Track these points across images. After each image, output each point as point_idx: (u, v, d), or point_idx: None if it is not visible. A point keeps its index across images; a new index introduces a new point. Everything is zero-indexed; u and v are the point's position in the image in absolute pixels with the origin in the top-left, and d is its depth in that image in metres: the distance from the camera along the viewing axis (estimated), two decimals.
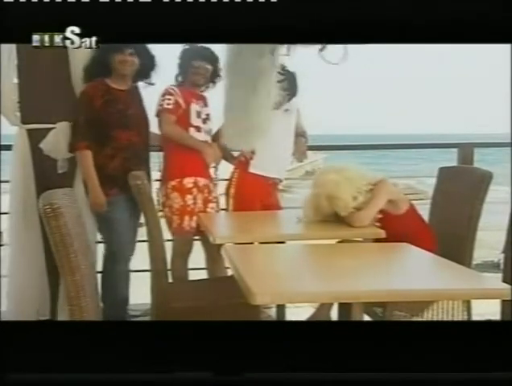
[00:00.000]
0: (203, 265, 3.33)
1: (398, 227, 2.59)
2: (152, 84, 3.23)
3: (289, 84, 3.30)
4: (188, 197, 3.17)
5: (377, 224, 2.64)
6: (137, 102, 3.18)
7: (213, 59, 3.25)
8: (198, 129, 3.23)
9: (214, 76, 3.30)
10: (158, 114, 3.20)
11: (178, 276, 3.18)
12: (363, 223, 2.62)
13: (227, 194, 3.31)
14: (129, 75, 3.12)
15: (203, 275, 3.30)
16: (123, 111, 3.08)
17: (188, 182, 3.18)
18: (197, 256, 3.35)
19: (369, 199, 2.68)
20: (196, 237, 3.27)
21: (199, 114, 3.23)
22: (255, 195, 3.26)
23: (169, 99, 3.16)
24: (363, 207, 2.66)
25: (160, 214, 3.08)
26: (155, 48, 3.18)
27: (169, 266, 2.97)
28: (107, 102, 3.06)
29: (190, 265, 3.30)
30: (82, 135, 3.06)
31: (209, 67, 3.24)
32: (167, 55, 3.34)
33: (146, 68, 3.17)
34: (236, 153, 3.37)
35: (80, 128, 3.07)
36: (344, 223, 2.66)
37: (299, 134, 3.43)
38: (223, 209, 3.38)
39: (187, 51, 3.23)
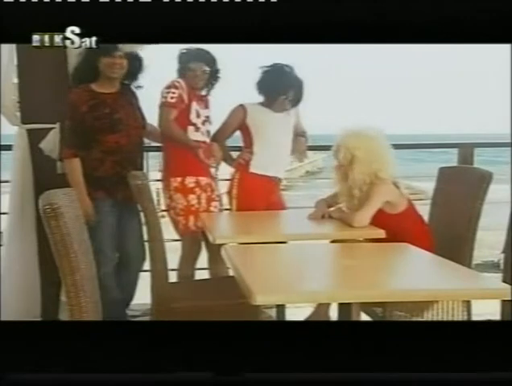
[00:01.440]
0: (204, 265, 3.33)
1: (394, 226, 2.59)
2: (141, 87, 3.19)
3: (295, 93, 3.28)
4: (191, 197, 3.16)
5: (374, 223, 2.64)
6: (127, 104, 3.12)
7: (210, 60, 3.24)
8: (196, 128, 3.22)
9: (213, 78, 3.29)
10: (161, 106, 3.19)
11: (184, 276, 3.17)
12: (361, 223, 2.63)
13: (229, 194, 3.30)
14: (117, 78, 3.07)
15: (204, 275, 3.30)
16: (110, 114, 3.03)
17: (190, 181, 3.17)
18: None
19: (366, 200, 2.68)
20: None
21: (198, 114, 3.22)
22: (259, 194, 3.25)
23: (173, 92, 3.14)
24: (360, 207, 2.67)
25: (161, 214, 3.07)
26: (147, 50, 3.15)
27: (170, 266, 2.96)
28: (92, 107, 3.01)
29: None
30: (69, 143, 3.03)
31: (207, 68, 3.22)
32: (161, 58, 3.31)
33: (135, 71, 3.13)
34: (235, 155, 3.36)
35: (66, 135, 3.05)
36: (344, 223, 2.67)
37: (299, 134, 3.43)
38: (226, 209, 3.37)
39: (185, 55, 3.22)
